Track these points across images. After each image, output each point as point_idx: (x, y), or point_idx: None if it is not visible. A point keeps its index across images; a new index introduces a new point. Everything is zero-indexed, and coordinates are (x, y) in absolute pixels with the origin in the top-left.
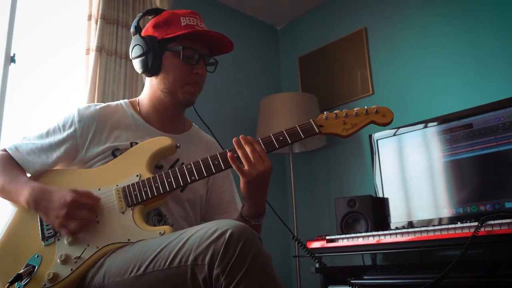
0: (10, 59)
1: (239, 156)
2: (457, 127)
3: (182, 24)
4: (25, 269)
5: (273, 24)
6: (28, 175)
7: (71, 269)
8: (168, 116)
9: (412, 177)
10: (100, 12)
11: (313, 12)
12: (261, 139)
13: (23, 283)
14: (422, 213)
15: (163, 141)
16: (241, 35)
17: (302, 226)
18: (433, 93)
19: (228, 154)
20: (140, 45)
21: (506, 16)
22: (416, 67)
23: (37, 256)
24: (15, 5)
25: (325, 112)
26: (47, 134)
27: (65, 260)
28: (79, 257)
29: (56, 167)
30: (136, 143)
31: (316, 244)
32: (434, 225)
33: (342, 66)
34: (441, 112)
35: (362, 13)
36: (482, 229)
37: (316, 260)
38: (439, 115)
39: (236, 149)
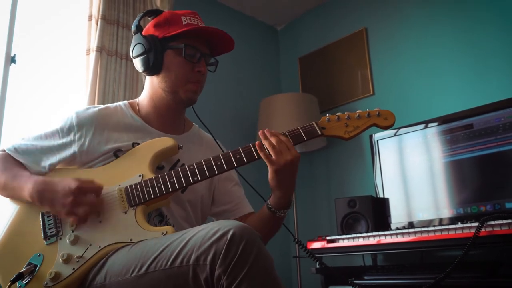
0: (11, 60)
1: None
2: (457, 128)
3: (183, 23)
4: (26, 268)
5: (273, 25)
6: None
7: (73, 268)
8: (169, 116)
9: (413, 178)
10: (100, 13)
11: (313, 12)
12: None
13: (24, 282)
14: (423, 213)
15: (165, 141)
16: (241, 35)
17: (303, 226)
18: (434, 93)
19: (256, 143)
20: (141, 44)
21: (506, 16)
22: (416, 67)
23: (39, 255)
24: (15, 6)
25: (327, 115)
26: (46, 136)
27: (67, 259)
28: (81, 256)
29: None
30: (138, 144)
31: (316, 245)
32: (434, 226)
33: (342, 67)
34: (441, 112)
35: (362, 13)
36: (483, 230)
37: (317, 261)
38: (440, 115)
39: (262, 140)
